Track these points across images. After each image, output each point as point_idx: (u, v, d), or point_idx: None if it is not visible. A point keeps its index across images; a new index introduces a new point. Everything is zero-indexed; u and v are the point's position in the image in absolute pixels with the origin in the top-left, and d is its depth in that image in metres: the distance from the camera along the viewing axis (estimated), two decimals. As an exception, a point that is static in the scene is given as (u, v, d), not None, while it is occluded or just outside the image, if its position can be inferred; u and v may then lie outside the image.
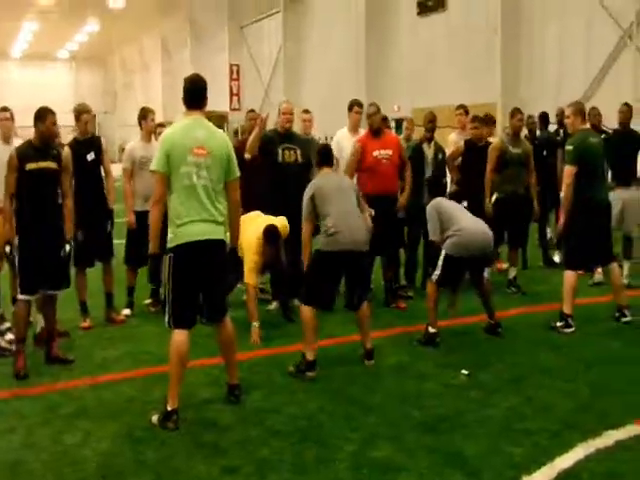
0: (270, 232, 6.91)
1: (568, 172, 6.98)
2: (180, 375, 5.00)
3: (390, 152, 7.86)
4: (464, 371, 5.74)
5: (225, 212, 5.12)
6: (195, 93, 5.15)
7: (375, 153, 7.81)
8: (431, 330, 6.69)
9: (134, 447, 4.60)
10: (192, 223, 4.90)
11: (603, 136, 8.75)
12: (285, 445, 4.58)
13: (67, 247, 6.37)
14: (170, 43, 45.79)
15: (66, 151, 7.36)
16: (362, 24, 25.31)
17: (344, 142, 8.56)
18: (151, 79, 49.29)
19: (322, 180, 6.32)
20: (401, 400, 5.28)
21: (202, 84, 5.22)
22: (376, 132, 7.94)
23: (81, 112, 7.60)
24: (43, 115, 6.30)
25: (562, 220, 7.22)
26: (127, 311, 8.02)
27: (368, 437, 4.67)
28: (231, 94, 35.73)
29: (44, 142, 6.32)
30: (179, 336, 4.97)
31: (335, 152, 8.62)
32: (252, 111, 9.16)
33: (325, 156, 6.53)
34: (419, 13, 23.16)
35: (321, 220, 6.10)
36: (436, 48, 22.28)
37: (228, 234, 5.29)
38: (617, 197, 8.07)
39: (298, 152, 7.90)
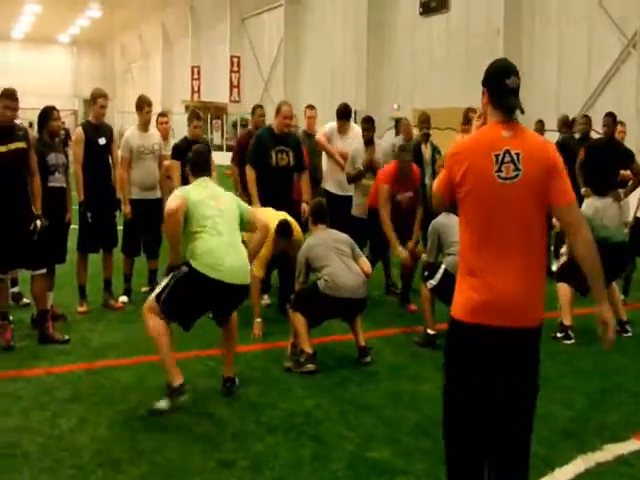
0: (284, 226, 6.91)
1: None
2: (171, 354, 4.99)
3: (411, 194, 7.82)
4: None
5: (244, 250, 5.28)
6: (203, 162, 5.57)
7: (398, 197, 7.74)
8: (430, 332, 6.70)
9: (131, 435, 4.60)
10: (221, 264, 4.96)
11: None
12: (281, 441, 4.58)
13: (38, 223, 6.37)
14: (171, 32, 45.67)
15: (77, 131, 7.47)
16: (364, 21, 25.28)
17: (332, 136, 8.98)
18: (151, 67, 49.17)
19: (317, 239, 6.38)
20: (397, 401, 5.29)
21: (207, 153, 5.87)
22: (404, 176, 7.79)
23: (98, 96, 7.60)
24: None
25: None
26: (124, 298, 8.01)
27: (365, 437, 4.66)
28: (231, 86, 35.65)
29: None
30: (156, 321, 4.95)
31: (321, 137, 8.95)
32: (260, 107, 9.15)
33: (319, 214, 6.57)
34: (422, 13, 23.16)
35: (317, 272, 6.20)
36: (437, 49, 22.30)
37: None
38: (590, 205, 8.00)
39: (291, 155, 7.76)
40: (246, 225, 5.44)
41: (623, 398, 5.53)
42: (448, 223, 6.62)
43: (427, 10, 22.90)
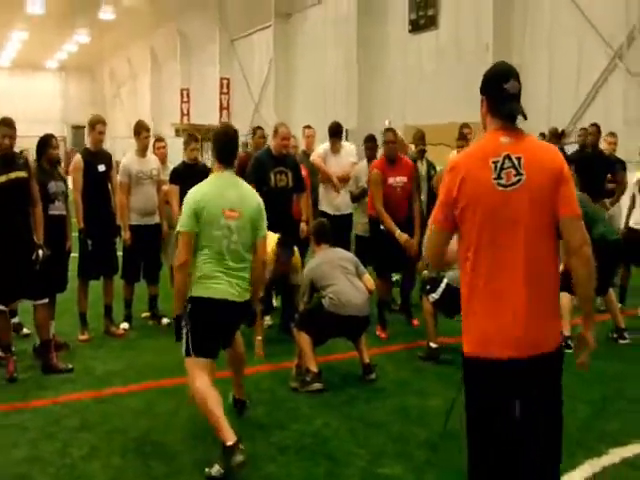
0: (285, 239, 6.94)
1: None
2: (219, 414, 4.45)
3: (405, 179, 7.77)
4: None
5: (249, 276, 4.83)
6: (229, 147, 4.89)
7: (390, 181, 7.71)
8: (433, 345, 6.74)
9: (144, 462, 4.61)
10: (217, 282, 4.64)
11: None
12: (293, 460, 4.61)
13: (40, 252, 6.36)
14: (159, 54, 45.79)
15: (76, 159, 7.50)
16: (354, 39, 25.41)
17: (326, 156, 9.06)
18: (139, 90, 49.24)
19: (322, 259, 6.44)
20: (404, 417, 5.32)
21: (235, 136, 4.97)
22: (391, 160, 7.82)
23: (96, 122, 7.63)
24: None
25: None
26: (125, 325, 8.02)
27: (375, 454, 4.70)
28: (221, 108, 35.71)
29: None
30: (200, 382, 4.53)
31: (317, 158, 9.00)
32: (260, 128, 9.22)
33: (321, 234, 6.63)
34: (411, 30, 23.32)
35: (322, 290, 6.23)
36: (428, 65, 22.42)
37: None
38: None
39: (290, 176, 7.77)
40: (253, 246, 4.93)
41: (623, 405, 5.60)
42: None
43: (416, 27, 23.01)
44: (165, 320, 8.20)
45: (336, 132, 9.07)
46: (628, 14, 16.05)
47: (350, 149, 9.40)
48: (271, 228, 7.26)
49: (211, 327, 4.70)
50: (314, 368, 5.91)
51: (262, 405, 5.59)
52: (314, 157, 9.15)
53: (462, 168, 2.89)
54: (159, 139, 9.53)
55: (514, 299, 2.83)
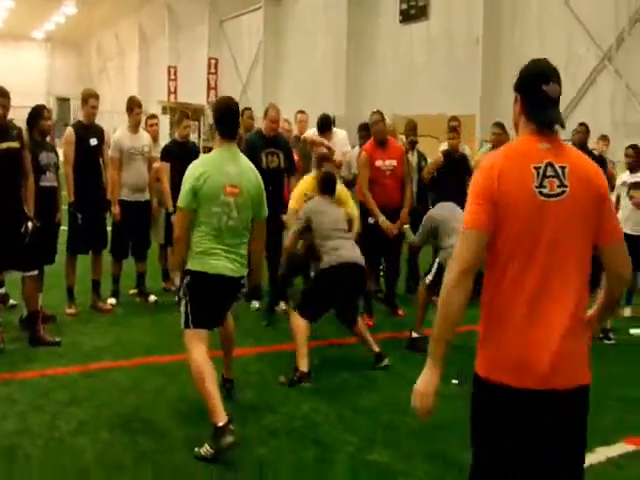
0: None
1: None
2: (213, 392, 4.44)
3: (395, 163, 7.77)
4: (454, 381, 5.74)
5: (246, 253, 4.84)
6: (231, 120, 4.81)
7: (378, 163, 7.73)
8: (414, 335, 6.75)
9: (132, 437, 4.60)
10: (214, 255, 4.62)
11: None
12: (283, 444, 4.61)
13: (29, 224, 6.31)
14: (147, 31, 45.38)
15: (68, 131, 7.43)
16: (344, 26, 25.33)
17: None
18: (126, 66, 48.80)
19: (324, 207, 6.45)
20: (394, 406, 5.33)
21: (237, 109, 4.92)
22: (380, 143, 7.83)
23: (89, 96, 7.57)
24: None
25: None
26: (113, 300, 7.99)
27: (365, 440, 4.72)
28: (208, 88, 35.51)
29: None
30: (197, 353, 4.53)
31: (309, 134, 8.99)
32: (249, 109, 9.17)
33: (327, 185, 6.63)
34: (402, 21, 23.29)
35: (319, 243, 6.26)
36: (417, 56, 22.41)
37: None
38: None
39: (281, 157, 7.77)
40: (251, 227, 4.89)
41: (610, 404, 5.62)
42: (448, 216, 6.67)
43: (407, 18, 22.99)
44: (152, 297, 8.18)
45: (325, 125, 9.02)
46: (617, 15, 16.15)
47: (342, 136, 9.33)
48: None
49: (209, 300, 4.70)
50: (304, 367, 5.79)
51: (251, 388, 5.59)
52: (306, 134, 9.10)
53: (500, 168, 2.53)
54: (152, 116, 9.47)
55: (550, 323, 2.52)
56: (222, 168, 4.67)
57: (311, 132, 9.16)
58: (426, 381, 2.65)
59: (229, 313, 5.12)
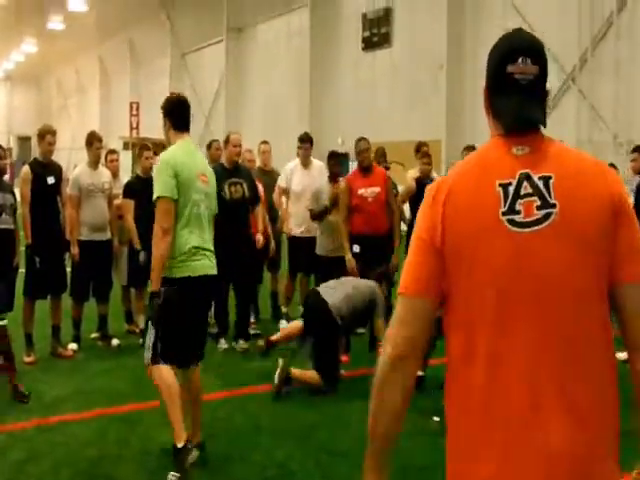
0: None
1: None
2: (180, 406, 4.40)
3: (377, 189, 7.56)
4: (436, 418, 5.50)
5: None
6: (184, 113, 4.83)
7: (361, 191, 7.52)
8: None
9: (94, 498, 4.30)
10: (197, 255, 4.54)
11: None
12: (256, 496, 4.34)
13: None
14: (109, 66, 45.18)
15: (24, 170, 7.16)
16: (306, 55, 25.37)
17: (294, 171, 8.68)
18: (88, 102, 48.46)
19: None
20: (371, 446, 5.08)
21: (188, 103, 4.97)
22: (365, 169, 7.66)
23: (46, 132, 7.29)
24: None
25: None
26: (74, 345, 7.62)
27: (344, 487, 4.46)
28: (171, 121, 35.33)
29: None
30: (166, 369, 4.44)
31: (283, 182, 8.66)
32: (216, 141, 8.98)
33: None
34: (364, 48, 23.35)
35: None
36: (381, 83, 22.44)
37: None
38: None
39: (245, 186, 7.58)
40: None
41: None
42: None
43: (370, 45, 23.06)
44: (115, 341, 7.86)
45: (304, 139, 8.83)
46: (580, 36, 16.30)
47: (321, 168, 9.00)
48: (229, 242, 7.05)
49: (185, 317, 4.51)
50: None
51: (220, 435, 5.27)
52: (275, 196, 8.87)
53: (449, 191, 1.77)
54: (111, 151, 9.20)
55: (546, 421, 1.66)
56: (192, 157, 4.70)
57: (288, 167, 8.83)
58: None
59: (197, 367, 4.79)
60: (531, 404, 1.67)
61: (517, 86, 1.80)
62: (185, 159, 4.61)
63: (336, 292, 6.39)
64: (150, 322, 4.49)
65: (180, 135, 4.75)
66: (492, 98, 1.88)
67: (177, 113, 4.80)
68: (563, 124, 16.50)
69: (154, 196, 4.52)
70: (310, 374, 6.21)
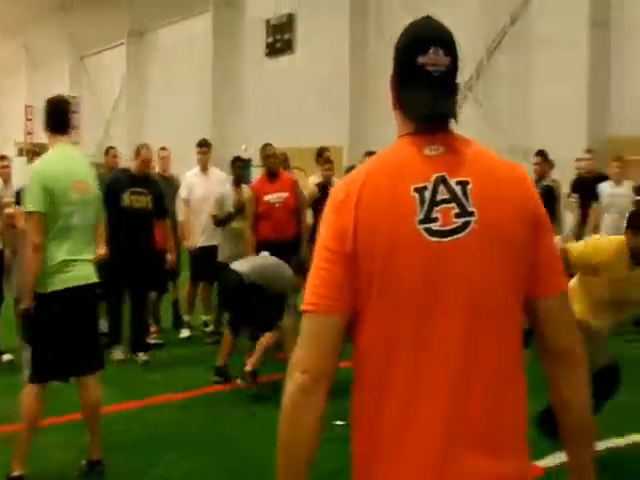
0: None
1: None
2: (31, 437, 4.38)
3: (285, 195, 7.52)
4: (339, 422, 5.42)
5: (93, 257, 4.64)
6: (63, 114, 4.63)
7: (267, 198, 7.46)
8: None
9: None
10: (68, 267, 4.33)
11: None
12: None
13: None
14: (3, 70, 43.59)
15: None
16: (209, 62, 25.15)
17: (194, 180, 8.62)
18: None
19: None
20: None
21: (67, 106, 4.79)
22: (271, 175, 7.60)
23: None
24: None
25: None
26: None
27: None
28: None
29: None
30: (31, 394, 4.34)
31: (185, 193, 8.49)
32: (113, 148, 8.75)
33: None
34: (267, 54, 23.32)
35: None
36: (285, 90, 22.43)
37: None
38: None
39: (149, 198, 7.40)
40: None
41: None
42: None
43: (273, 51, 23.05)
44: (6, 356, 7.52)
45: (201, 143, 8.88)
46: (476, 47, 16.73)
47: (221, 176, 8.89)
48: (124, 251, 6.82)
49: (63, 324, 4.32)
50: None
51: (118, 450, 5.03)
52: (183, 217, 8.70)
53: (358, 196, 1.61)
54: (2, 157, 8.82)
55: (463, 451, 1.58)
56: (70, 165, 4.47)
57: (189, 175, 8.76)
58: None
59: (94, 379, 4.60)
60: (444, 453, 1.58)
61: (429, 78, 1.68)
62: (58, 167, 4.39)
63: (246, 262, 6.65)
64: (24, 340, 4.35)
65: (59, 138, 4.54)
66: (401, 91, 1.76)
67: (55, 114, 4.59)
68: (464, 132, 16.93)
69: (26, 209, 4.37)
70: (260, 346, 6.22)
